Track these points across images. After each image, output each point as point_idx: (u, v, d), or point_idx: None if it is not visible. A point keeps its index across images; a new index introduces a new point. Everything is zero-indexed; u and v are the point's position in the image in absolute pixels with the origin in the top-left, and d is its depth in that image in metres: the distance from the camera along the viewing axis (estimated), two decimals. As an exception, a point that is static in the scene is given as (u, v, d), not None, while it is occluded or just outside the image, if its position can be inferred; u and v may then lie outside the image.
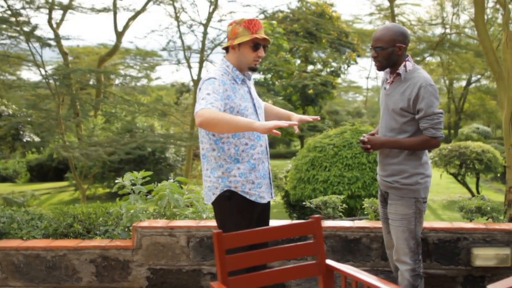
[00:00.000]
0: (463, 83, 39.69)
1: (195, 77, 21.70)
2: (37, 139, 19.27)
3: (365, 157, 9.88)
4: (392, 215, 3.49)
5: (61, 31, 20.00)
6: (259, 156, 3.33)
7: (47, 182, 24.50)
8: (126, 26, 22.80)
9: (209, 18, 20.86)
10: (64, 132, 17.44)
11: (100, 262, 4.33)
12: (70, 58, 22.91)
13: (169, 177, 7.24)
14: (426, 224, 4.11)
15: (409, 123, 3.40)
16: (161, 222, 4.41)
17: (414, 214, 3.43)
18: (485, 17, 14.79)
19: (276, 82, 33.83)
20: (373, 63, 3.52)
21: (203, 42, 20.92)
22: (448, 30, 26.51)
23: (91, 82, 23.68)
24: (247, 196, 3.28)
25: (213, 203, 3.35)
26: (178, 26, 21.43)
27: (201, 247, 4.28)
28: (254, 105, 3.38)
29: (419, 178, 3.43)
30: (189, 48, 21.85)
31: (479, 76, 37.74)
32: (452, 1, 26.38)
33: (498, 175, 17.19)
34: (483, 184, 18.76)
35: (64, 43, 20.53)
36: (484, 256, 3.98)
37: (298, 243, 2.94)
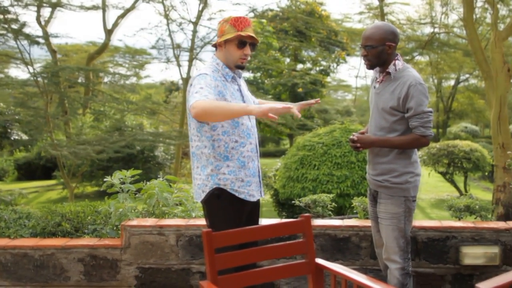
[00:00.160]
0: (452, 82, 39.91)
1: (185, 76, 21.66)
2: (25, 137, 19.18)
3: (354, 156, 9.91)
4: (382, 213, 3.50)
5: (50, 29, 19.88)
6: (249, 154, 3.32)
7: (35, 181, 24.36)
8: (115, 24, 22.72)
9: (198, 16, 20.83)
10: (52, 130, 17.34)
11: (89, 261, 4.30)
12: (58, 56, 22.79)
13: (158, 176, 7.22)
14: (415, 222, 4.12)
15: (399, 122, 3.40)
16: (150, 221, 4.39)
17: (404, 213, 3.43)
18: (474, 16, 14.84)
19: (266, 81, 33.81)
20: (363, 61, 3.52)
21: (192, 40, 20.87)
22: (437, 29, 26.58)
23: (80, 80, 23.54)
24: (237, 194, 3.27)
25: (202, 201, 3.34)
26: (168, 24, 21.39)
27: (190, 246, 4.26)
28: (244, 102, 3.37)
29: (409, 177, 3.43)
30: (178, 46, 21.81)
31: (467, 75, 37.96)
32: (441, 1, 26.44)
33: (486, 174, 17.32)
34: (471, 182, 18.87)
35: (53, 40, 20.41)
36: (472, 255, 3.99)
37: (288, 242, 2.93)
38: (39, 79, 17.19)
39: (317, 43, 32.02)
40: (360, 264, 4.16)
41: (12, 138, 18.97)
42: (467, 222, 4.19)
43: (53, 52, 20.48)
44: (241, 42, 3.30)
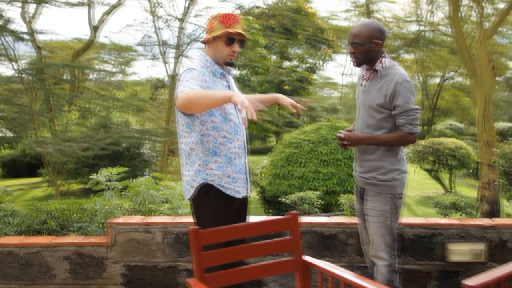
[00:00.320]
0: (438, 80, 40.09)
1: (171, 73, 21.60)
2: (10, 134, 18.99)
3: (340, 153, 9.93)
4: (369, 211, 3.50)
5: (35, 25, 19.68)
6: (236, 151, 3.32)
7: (20, 178, 24.17)
8: (101, 21, 22.57)
9: (185, 13, 20.79)
10: (37, 127, 17.20)
11: (75, 259, 4.28)
12: (44, 52, 22.63)
13: (145, 173, 7.19)
14: (402, 219, 4.12)
15: (386, 119, 3.41)
16: (136, 219, 4.38)
17: (391, 210, 3.44)
18: (460, 15, 14.92)
19: (252, 78, 33.78)
20: (350, 59, 3.53)
21: (179, 37, 20.82)
22: (423, 27, 26.68)
23: (65, 77, 23.39)
24: (224, 190, 3.27)
25: (190, 198, 3.33)
26: (154, 21, 21.32)
27: (176, 244, 4.25)
28: None
29: (396, 174, 3.44)
30: (165, 43, 21.75)
31: (453, 73, 38.14)
32: (427, -1, 26.56)
33: (471, 171, 17.42)
34: (456, 180, 18.96)
35: (38, 37, 20.27)
36: (458, 251, 4.02)
37: (275, 239, 2.93)
38: (24, 75, 17.04)
39: (303, 41, 32.01)
40: (347, 261, 4.17)
41: (-4, 135, 18.80)
42: (453, 219, 4.22)
43: (38, 48, 20.33)
44: (230, 39, 3.29)
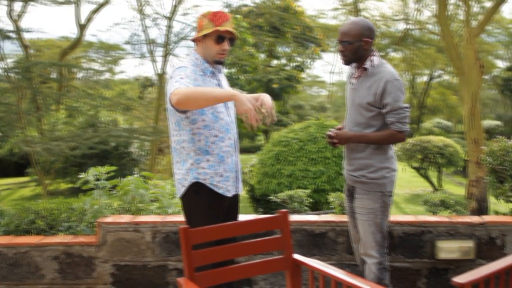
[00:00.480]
0: (425, 78, 40.28)
1: (159, 71, 21.54)
2: (-4, 133, 18.84)
3: (329, 152, 9.94)
4: (358, 209, 3.51)
5: (22, 24, 19.58)
6: (227, 149, 3.32)
7: (7, 178, 24.03)
8: (89, 19, 22.47)
9: (173, 12, 20.72)
10: (25, 127, 17.07)
11: (64, 259, 4.25)
12: (31, 51, 22.48)
13: (134, 172, 7.16)
14: (391, 217, 4.13)
15: (375, 118, 3.42)
16: (126, 218, 4.36)
17: (381, 208, 3.45)
18: (447, 13, 14.98)
19: (241, 77, 33.78)
20: (338, 57, 3.53)
21: (167, 36, 20.77)
22: (410, 26, 26.80)
23: (52, 76, 23.25)
24: (215, 189, 3.26)
25: (181, 197, 3.32)
26: (142, 19, 21.24)
27: (166, 243, 4.24)
28: None
29: (385, 172, 3.45)
30: (153, 41, 21.69)
31: (440, 72, 38.34)
32: (414, -3, 26.67)
33: (459, 169, 17.52)
34: (444, 177, 19.07)
35: (25, 35, 20.14)
36: (447, 249, 4.04)
37: (266, 238, 2.93)
38: (11, 74, 16.92)
39: (292, 39, 32.05)
40: (336, 259, 4.18)
41: (-17, 135, 18.65)
42: (442, 217, 4.23)
43: (25, 47, 20.20)
44: (219, 37, 3.28)
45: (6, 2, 18.69)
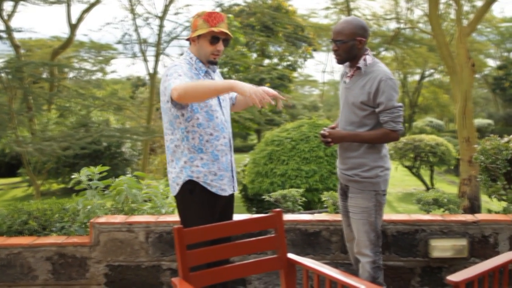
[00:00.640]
0: (417, 77, 40.44)
1: (151, 71, 21.50)
2: (-12, 134, 18.75)
3: (322, 151, 9.95)
4: (352, 208, 3.51)
5: (13, 23, 19.48)
6: (222, 148, 3.32)
7: (-1, 178, 23.95)
8: (80, 19, 22.39)
9: (165, 11, 20.67)
10: (16, 127, 17.01)
11: (57, 260, 4.24)
12: (22, 51, 22.36)
13: (127, 172, 7.13)
14: (385, 216, 4.14)
15: (369, 117, 3.42)
16: (119, 218, 4.34)
17: (374, 207, 3.45)
18: (438, 12, 15.03)
19: (233, 76, 33.76)
20: (330, 56, 3.55)
21: (159, 35, 20.72)
22: (402, 25, 26.89)
23: (44, 76, 23.16)
24: (209, 188, 3.26)
25: (175, 196, 3.32)
26: (134, 19, 21.19)
27: (160, 243, 4.23)
28: (218, 97, 3.35)
29: (379, 171, 3.46)
30: (145, 41, 21.63)
31: (432, 71, 38.50)
32: (406, -4, 26.74)
33: (451, 167, 17.57)
34: (437, 176, 19.13)
35: (16, 35, 20.00)
36: (441, 247, 4.05)
37: (260, 237, 2.93)
38: (2, 74, 16.84)
39: (283, 38, 32.09)
40: (330, 258, 4.18)
41: (-26, 135, 18.54)
42: (436, 216, 4.24)
43: (16, 47, 20.10)
44: (214, 38, 3.29)
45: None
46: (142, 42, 21.49)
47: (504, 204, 4.59)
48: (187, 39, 3.41)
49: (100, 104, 19.29)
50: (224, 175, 3.33)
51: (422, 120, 35.28)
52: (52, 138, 16.68)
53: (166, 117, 3.28)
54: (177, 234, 2.63)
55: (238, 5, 28.39)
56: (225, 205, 3.42)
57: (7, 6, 20.42)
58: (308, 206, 9.42)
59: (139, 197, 4.81)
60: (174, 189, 3.32)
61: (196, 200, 3.26)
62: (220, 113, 3.33)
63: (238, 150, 31.42)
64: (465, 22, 14.00)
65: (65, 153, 16.65)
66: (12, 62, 18.15)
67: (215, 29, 3.25)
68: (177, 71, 3.15)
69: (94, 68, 29.11)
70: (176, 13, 21.89)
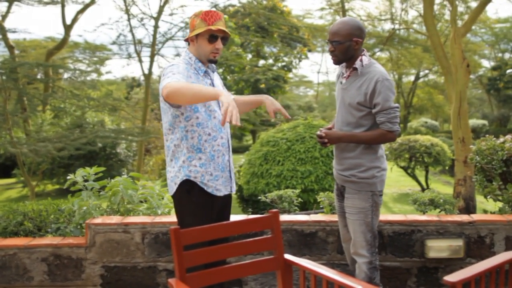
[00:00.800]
0: (412, 77, 40.53)
1: (146, 71, 21.48)
2: (-18, 135, 18.69)
3: (318, 151, 9.94)
4: (349, 208, 3.51)
5: (7, 24, 19.42)
6: (219, 148, 3.32)
7: (-7, 179, 23.88)
8: (74, 19, 22.37)
9: (160, 12, 20.66)
10: (11, 128, 16.97)
11: (52, 261, 4.22)
12: (16, 51, 22.32)
13: (123, 173, 7.13)
14: (381, 217, 4.15)
15: (365, 117, 3.42)
16: (115, 219, 4.33)
17: (371, 207, 3.45)
18: (433, 13, 15.06)
19: (228, 77, 33.76)
20: (325, 57, 3.56)
21: (154, 36, 20.71)
22: (397, 26, 26.94)
23: (39, 76, 23.11)
24: (205, 188, 3.26)
25: (173, 196, 3.31)
26: (129, 20, 21.15)
27: (156, 244, 4.22)
28: None
29: (376, 171, 3.46)
30: (140, 42, 21.61)
31: (427, 71, 38.58)
32: (400, -3, 26.82)
33: (446, 168, 17.58)
34: (432, 177, 19.14)
35: (10, 36, 20.00)
36: (437, 248, 4.05)
37: (256, 238, 2.93)
38: (-3, 75, 16.80)
39: (279, 39, 32.10)
40: (327, 259, 4.18)
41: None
42: (432, 216, 4.25)
43: (10, 47, 20.06)
44: (212, 36, 3.28)
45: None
46: (137, 42, 21.47)
47: (499, 204, 4.60)
48: (186, 40, 3.40)
49: (95, 105, 19.27)
50: (219, 175, 3.33)
51: (417, 120, 35.32)
52: (47, 139, 16.65)
53: (166, 117, 3.28)
54: (173, 235, 2.62)
55: (233, 5, 28.43)
56: (222, 206, 3.42)
57: (1, 7, 20.39)
58: (304, 207, 9.42)
59: (135, 198, 4.80)
60: (172, 188, 3.32)
61: (193, 200, 3.25)
62: (218, 113, 3.32)
63: (233, 151, 31.35)
64: (460, 23, 14.05)
65: (60, 154, 16.62)
66: (7, 63, 18.10)
67: (213, 27, 3.25)
68: (173, 70, 3.15)
69: (89, 69, 29.03)
70: (171, 14, 21.80)
